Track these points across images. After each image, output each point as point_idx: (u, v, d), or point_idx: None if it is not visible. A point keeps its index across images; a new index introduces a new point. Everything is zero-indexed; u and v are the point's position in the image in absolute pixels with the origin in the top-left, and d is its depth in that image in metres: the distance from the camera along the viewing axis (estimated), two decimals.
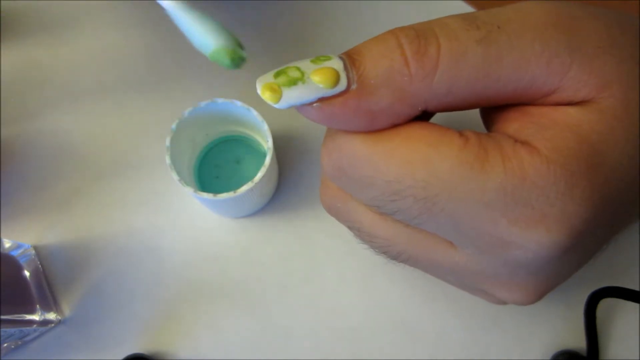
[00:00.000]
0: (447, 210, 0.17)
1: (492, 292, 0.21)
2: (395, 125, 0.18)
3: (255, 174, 0.27)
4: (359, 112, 0.17)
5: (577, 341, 0.31)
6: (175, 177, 0.27)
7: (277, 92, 0.17)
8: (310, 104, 0.17)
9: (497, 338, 0.31)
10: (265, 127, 0.28)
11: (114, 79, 0.36)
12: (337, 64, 0.17)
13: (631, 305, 0.31)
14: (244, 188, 0.27)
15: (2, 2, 0.37)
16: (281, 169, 0.34)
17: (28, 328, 0.29)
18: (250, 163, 0.33)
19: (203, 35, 0.21)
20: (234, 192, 0.27)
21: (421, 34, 0.17)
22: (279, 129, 0.34)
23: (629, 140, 0.17)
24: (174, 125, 0.28)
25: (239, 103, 0.29)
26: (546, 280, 0.20)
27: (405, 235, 0.20)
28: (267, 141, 0.28)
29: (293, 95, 0.17)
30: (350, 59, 0.17)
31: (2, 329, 0.27)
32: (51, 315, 0.31)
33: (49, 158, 0.34)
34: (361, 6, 0.37)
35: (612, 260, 0.32)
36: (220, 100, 0.29)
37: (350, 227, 0.22)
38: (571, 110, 0.17)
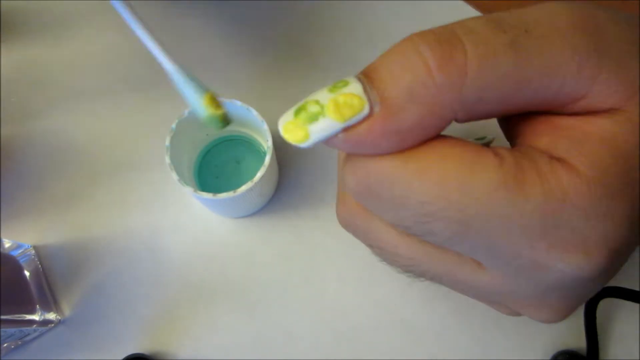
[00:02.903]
0: (483, 233, 0.16)
1: (518, 310, 0.20)
2: (425, 141, 0.17)
3: (255, 174, 0.27)
4: (387, 134, 0.16)
5: (577, 341, 0.31)
6: (175, 177, 0.27)
7: (300, 132, 0.16)
8: (336, 135, 0.16)
9: (497, 338, 0.31)
10: (265, 126, 0.28)
11: (114, 79, 0.36)
12: (355, 88, 0.16)
13: (631, 305, 0.31)
14: (244, 188, 0.27)
15: (2, 2, 0.37)
16: (281, 169, 0.34)
17: (28, 328, 0.29)
18: (250, 163, 0.33)
19: (194, 101, 0.23)
20: (234, 192, 0.27)
21: (443, 39, 0.16)
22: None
23: None
24: (174, 125, 0.28)
25: (239, 103, 0.29)
26: (577, 300, 0.19)
27: (431, 254, 0.19)
28: (267, 141, 0.28)
29: (316, 132, 0.16)
30: (368, 79, 0.16)
31: (2, 329, 0.27)
32: (51, 315, 0.31)
33: (49, 158, 0.34)
34: (361, 6, 0.37)
35: None
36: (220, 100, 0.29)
37: (370, 246, 0.21)
38: (602, 121, 0.16)
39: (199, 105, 0.23)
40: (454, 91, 0.16)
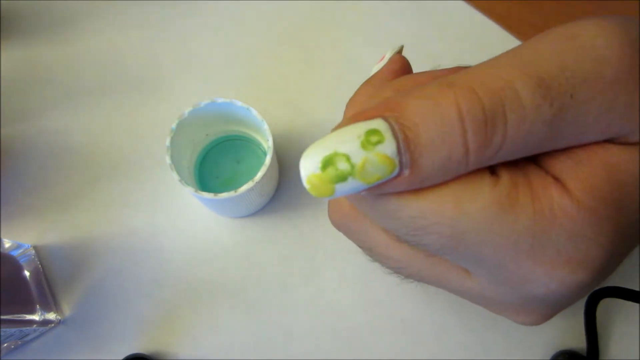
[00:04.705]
0: (472, 248, 0.17)
1: (501, 314, 0.21)
2: None
3: (255, 174, 0.27)
4: (407, 190, 0.16)
5: (577, 341, 0.31)
6: (175, 177, 0.27)
7: (326, 189, 0.16)
8: (359, 192, 0.16)
9: (497, 338, 0.31)
10: (265, 126, 0.28)
11: (114, 78, 0.36)
12: (390, 147, 0.15)
13: (631, 305, 0.31)
14: (244, 187, 0.27)
15: (2, 2, 0.37)
16: (281, 169, 0.34)
17: (28, 328, 0.29)
18: (250, 163, 0.33)
19: None
20: (235, 192, 0.27)
21: (490, 120, 0.15)
22: (279, 129, 0.34)
23: None
24: (174, 125, 0.28)
25: (238, 103, 0.29)
26: (558, 308, 0.20)
27: (420, 259, 0.20)
28: (268, 140, 0.28)
29: (344, 191, 0.16)
30: (404, 136, 0.15)
31: (2, 329, 0.27)
32: (51, 315, 0.31)
33: (49, 158, 0.34)
34: (361, 6, 0.37)
35: None
36: (220, 100, 0.29)
37: (361, 247, 0.22)
38: (610, 146, 0.17)
39: None
40: (481, 165, 0.16)
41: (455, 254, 0.17)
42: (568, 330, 0.31)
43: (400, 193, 0.17)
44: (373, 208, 0.18)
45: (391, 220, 0.18)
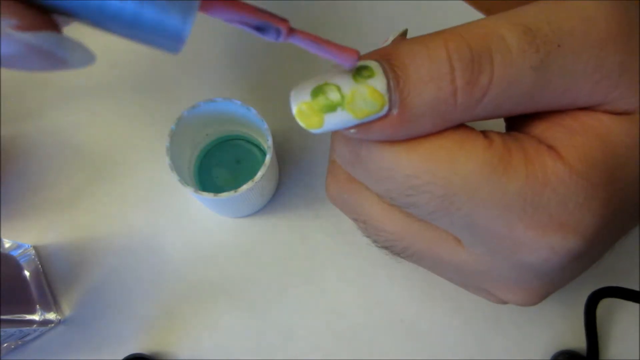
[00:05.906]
0: (464, 210, 0.17)
1: (495, 292, 0.21)
2: None
3: (255, 174, 0.27)
4: (397, 137, 0.17)
5: (577, 341, 0.31)
6: (175, 177, 0.27)
7: (315, 119, 0.16)
8: (348, 128, 0.16)
9: (497, 338, 0.31)
10: (265, 126, 0.28)
11: (114, 79, 0.36)
12: (380, 82, 0.15)
13: (631, 305, 0.31)
14: (244, 187, 0.27)
15: None
16: (282, 169, 0.34)
17: (28, 328, 0.29)
18: (250, 163, 0.33)
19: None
20: (235, 192, 0.27)
21: (476, 58, 0.15)
22: (279, 128, 0.34)
23: None
24: (174, 125, 0.28)
25: (238, 102, 0.29)
26: (550, 283, 0.19)
27: (413, 230, 0.20)
28: (267, 140, 0.28)
29: (332, 123, 0.16)
30: (394, 74, 0.16)
31: (2, 329, 0.27)
32: (51, 315, 0.31)
33: (49, 158, 0.34)
34: (361, 6, 0.37)
35: (612, 261, 0.32)
36: (220, 100, 0.29)
37: (355, 220, 0.22)
38: (603, 117, 0.17)
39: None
40: (470, 110, 0.16)
41: (447, 218, 0.17)
42: (568, 330, 0.31)
43: (393, 146, 0.17)
44: (368, 170, 0.18)
45: (385, 181, 0.18)
